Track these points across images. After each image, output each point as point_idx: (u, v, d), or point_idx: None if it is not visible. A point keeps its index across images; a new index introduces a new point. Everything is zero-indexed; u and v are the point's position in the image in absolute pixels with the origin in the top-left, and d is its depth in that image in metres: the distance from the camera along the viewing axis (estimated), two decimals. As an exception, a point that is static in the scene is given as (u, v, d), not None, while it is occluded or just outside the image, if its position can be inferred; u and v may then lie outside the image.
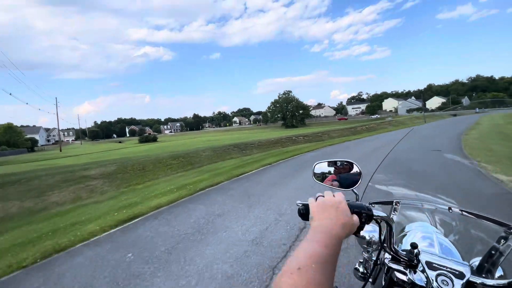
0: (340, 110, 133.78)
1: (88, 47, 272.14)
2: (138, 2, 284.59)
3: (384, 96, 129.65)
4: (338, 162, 0.96)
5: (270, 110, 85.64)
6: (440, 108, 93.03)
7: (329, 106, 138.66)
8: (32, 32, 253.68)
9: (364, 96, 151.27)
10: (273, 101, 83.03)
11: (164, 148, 24.96)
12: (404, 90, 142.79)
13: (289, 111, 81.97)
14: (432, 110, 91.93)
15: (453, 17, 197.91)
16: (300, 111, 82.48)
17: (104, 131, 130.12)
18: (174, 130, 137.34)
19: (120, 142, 76.58)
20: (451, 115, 68.26)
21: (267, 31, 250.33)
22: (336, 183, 0.91)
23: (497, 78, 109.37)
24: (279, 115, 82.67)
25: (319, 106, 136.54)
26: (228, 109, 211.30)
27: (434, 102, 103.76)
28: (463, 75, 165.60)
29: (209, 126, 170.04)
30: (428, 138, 14.78)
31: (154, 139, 60.10)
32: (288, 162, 10.66)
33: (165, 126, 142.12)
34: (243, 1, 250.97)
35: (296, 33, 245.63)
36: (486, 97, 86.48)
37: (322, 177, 0.97)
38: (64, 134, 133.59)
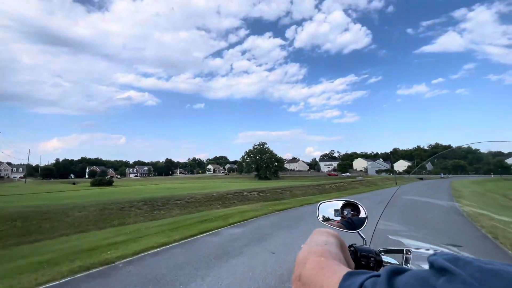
0: (313, 165, 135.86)
1: (71, 85, 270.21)
2: (131, 52, 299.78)
3: (354, 156, 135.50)
4: (343, 202, 0.95)
5: (244, 160, 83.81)
6: (407, 171, 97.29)
7: (303, 161, 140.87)
8: (15, 65, 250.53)
9: (336, 155, 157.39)
10: (247, 151, 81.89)
11: (101, 195, 20.58)
12: (372, 152, 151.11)
13: (263, 163, 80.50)
14: (400, 173, 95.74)
15: (410, 93, 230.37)
16: (275, 164, 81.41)
17: (61, 170, 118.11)
18: (141, 174, 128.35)
19: (74, 183, 67.91)
20: (417, 179, 70.41)
21: (250, 90, 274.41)
22: (340, 224, 0.90)
23: (454, 147, 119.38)
24: (252, 166, 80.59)
25: (294, 160, 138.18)
26: (206, 157, 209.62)
27: (401, 165, 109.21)
28: (424, 142, 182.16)
29: (181, 173, 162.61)
30: (418, 209, 10.19)
31: (109, 183, 53.63)
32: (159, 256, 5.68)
33: (132, 170, 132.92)
34: (230, 62, 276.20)
35: (276, 94, 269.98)
36: (448, 164, 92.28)
37: (326, 218, 0.95)
38: (12, 170, 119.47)
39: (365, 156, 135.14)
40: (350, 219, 0.90)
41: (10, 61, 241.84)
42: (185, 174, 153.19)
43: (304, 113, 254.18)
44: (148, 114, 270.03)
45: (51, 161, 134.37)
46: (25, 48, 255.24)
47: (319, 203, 0.99)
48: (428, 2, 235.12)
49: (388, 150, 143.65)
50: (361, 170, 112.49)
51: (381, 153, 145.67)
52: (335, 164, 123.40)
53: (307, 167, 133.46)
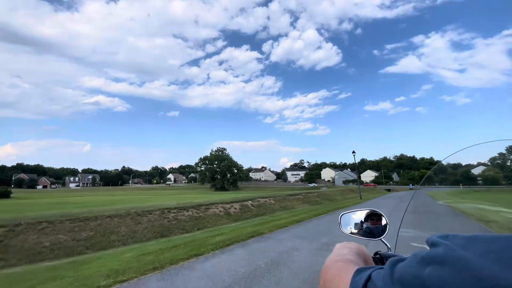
0: (280, 175, 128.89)
1: (31, 86, 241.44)
2: (101, 55, 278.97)
3: (323, 166, 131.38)
4: (363, 211, 0.98)
5: (198, 167, 73.03)
6: (374, 181, 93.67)
7: (270, 170, 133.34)
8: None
9: (306, 165, 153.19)
10: (202, 157, 71.61)
11: None
12: (341, 162, 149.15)
13: (220, 171, 70.89)
14: (367, 183, 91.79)
15: (376, 109, 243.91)
16: (234, 172, 72.18)
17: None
18: (84, 183, 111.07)
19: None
20: (385, 190, 65.45)
21: (226, 99, 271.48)
22: (362, 234, 0.93)
23: (418, 158, 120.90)
24: (207, 174, 70.45)
25: (261, 169, 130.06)
26: (177, 166, 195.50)
27: (368, 175, 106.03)
28: (390, 153, 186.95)
29: (138, 182, 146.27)
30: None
31: (6, 195, 40.39)
32: None
33: (74, 178, 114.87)
34: (207, 71, 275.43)
35: (252, 105, 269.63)
36: (414, 175, 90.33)
37: (348, 228, 0.98)
38: None
39: (334, 166, 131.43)
40: (369, 228, 0.92)
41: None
42: (141, 184, 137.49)
43: (279, 125, 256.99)
44: (118, 120, 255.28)
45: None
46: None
47: (340, 215, 1.00)
48: (392, 27, 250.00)
49: (356, 161, 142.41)
50: (329, 181, 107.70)
51: (349, 164, 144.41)
52: (302, 173, 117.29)
53: (274, 177, 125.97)
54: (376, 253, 0.73)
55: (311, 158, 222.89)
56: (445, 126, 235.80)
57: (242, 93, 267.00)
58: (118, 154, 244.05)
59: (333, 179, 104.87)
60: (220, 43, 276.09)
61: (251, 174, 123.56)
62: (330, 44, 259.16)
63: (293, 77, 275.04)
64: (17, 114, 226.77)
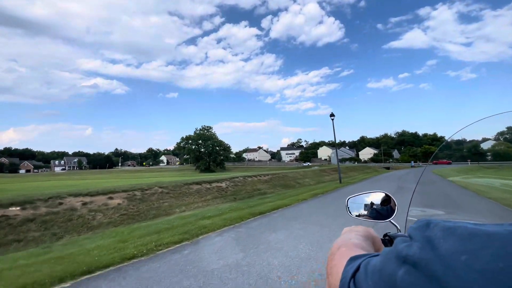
0: (275, 155, 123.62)
1: (28, 70, 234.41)
2: (96, 36, 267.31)
3: (321, 144, 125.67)
4: (370, 194, 0.95)
5: (178, 147, 67.14)
6: (373, 159, 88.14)
7: (264, 150, 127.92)
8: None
9: (303, 144, 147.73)
10: (184, 136, 65.52)
11: None
12: (340, 140, 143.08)
13: (206, 151, 65.37)
14: (365, 161, 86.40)
15: (379, 87, 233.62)
16: (221, 152, 66.67)
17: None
18: (70, 167, 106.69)
19: None
20: (383, 168, 60.37)
21: (226, 79, 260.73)
22: (370, 216, 0.91)
23: (420, 134, 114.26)
24: (189, 155, 64.96)
25: (255, 150, 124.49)
26: (172, 147, 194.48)
27: (366, 152, 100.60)
28: (392, 130, 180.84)
29: (131, 165, 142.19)
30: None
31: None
32: None
33: (60, 162, 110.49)
34: (204, 50, 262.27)
35: (252, 85, 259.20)
36: (417, 151, 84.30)
37: (356, 211, 0.95)
38: None
39: (331, 145, 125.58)
40: (376, 210, 0.90)
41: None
42: (133, 166, 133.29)
43: (280, 105, 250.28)
44: (117, 103, 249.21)
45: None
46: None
47: (348, 198, 0.97)
48: None
49: (356, 138, 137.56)
50: (326, 159, 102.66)
51: (348, 142, 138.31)
52: (297, 152, 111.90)
53: (269, 157, 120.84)
54: (385, 235, 0.70)
55: (312, 138, 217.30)
56: (450, 103, 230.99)
57: (241, 72, 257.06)
58: (119, 137, 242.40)
59: (330, 157, 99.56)
60: (217, 20, 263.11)
61: (244, 155, 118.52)
62: (332, 19, 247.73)
63: (294, 55, 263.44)
64: (17, 99, 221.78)
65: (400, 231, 0.79)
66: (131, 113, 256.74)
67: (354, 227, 0.62)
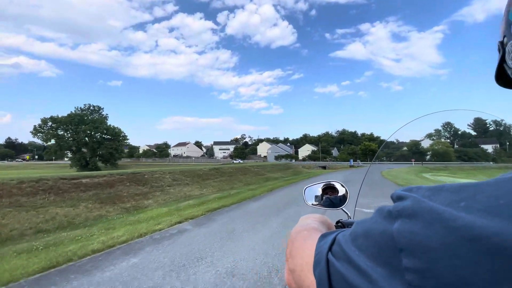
0: (208, 150, 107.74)
1: None
2: (20, 7, 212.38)
3: (265, 141, 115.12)
4: (325, 183, 1.02)
5: (36, 130, 44.89)
6: (310, 156, 79.48)
7: (194, 144, 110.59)
8: None
9: (247, 140, 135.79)
10: (45, 118, 44.24)
11: None
12: (284, 138, 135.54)
13: (88, 141, 45.78)
14: (303, 159, 77.30)
15: (325, 92, 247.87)
16: (106, 142, 47.67)
17: None
18: None
19: None
20: (319, 167, 50.60)
21: (178, 71, 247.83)
22: (324, 204, 0.97)
23: (359, 134, 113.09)
24: (48, 147, 44.49)
25: (183, 144, 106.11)
26: None
27: (305, 149, 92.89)
28: (333, 129, 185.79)
29: (21, 160, 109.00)
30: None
31: None
32: None
33: None
34: (155, 38, 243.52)
35: (206, 79, 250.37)
36: (355, 149, 78.39)
37: (312, 199, 1.02)
38: None
39: (272, 141, 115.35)
40: (329, 199, 0.96)
41: None
42: (21, 161, 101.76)
43: (235, 102, 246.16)
44: (46, 87, 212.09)
45: None
46: None
47: (304, 187, 1.04)
48: (343, 12, 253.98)
49: (298, 136, 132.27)
50: (265, 156, 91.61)
51: (292, 139, 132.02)
52: (232, 148, 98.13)
53: (201, 152, 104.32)
54: (338, 222, 0.77)
55: (264, 136, 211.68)
56: (383, 110, 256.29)
57: (195, 65, 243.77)
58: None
59: (268, 154, 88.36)
60: (170, 7, 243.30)
61: (171, 150, 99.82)
62: (286, 22, 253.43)
63: (249, 54, 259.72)
64: None
65: (350, 218, 0.85)
66: (63, 99, 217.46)
67: (310, 215, 0.63)
